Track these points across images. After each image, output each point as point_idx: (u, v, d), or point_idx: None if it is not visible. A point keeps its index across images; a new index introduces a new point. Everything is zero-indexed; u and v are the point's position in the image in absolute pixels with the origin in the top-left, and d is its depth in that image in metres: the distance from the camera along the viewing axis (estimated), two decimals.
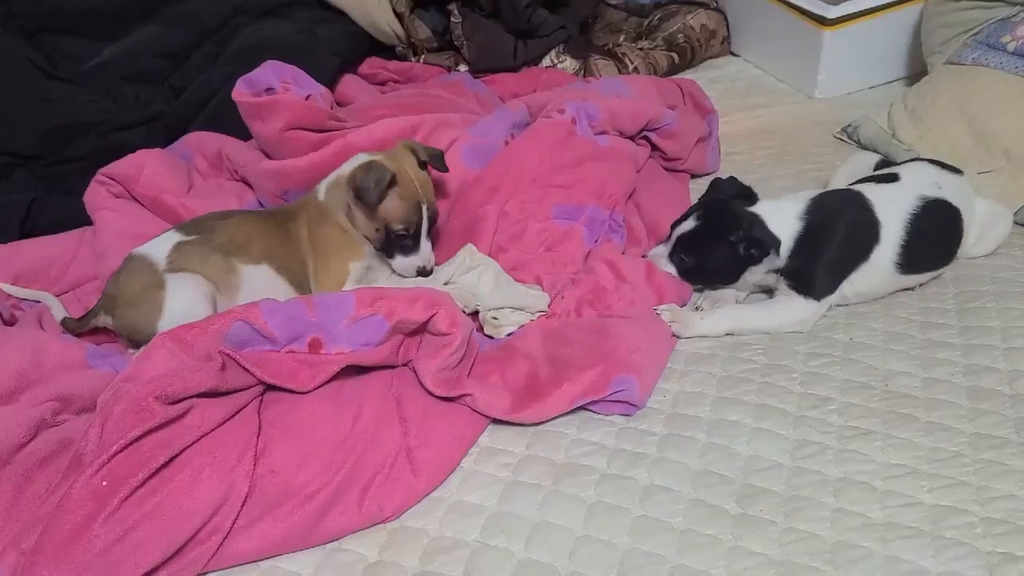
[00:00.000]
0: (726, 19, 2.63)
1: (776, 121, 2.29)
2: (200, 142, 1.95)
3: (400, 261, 1.52)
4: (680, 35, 2.54)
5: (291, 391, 1.29)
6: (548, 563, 1.10)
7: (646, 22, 2.64)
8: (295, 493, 1.16)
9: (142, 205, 1.76)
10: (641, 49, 2.50)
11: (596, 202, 1.69)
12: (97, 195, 1.75)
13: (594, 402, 1.33)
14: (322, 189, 1.56)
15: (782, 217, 1.47)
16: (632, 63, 2.44)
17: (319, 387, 1.30)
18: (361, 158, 1.54)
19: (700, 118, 2.07)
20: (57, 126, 2.00)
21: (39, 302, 1.60)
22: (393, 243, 1.50)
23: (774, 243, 1.43)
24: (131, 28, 2.32)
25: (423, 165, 1.55)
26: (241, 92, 1.73)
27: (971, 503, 1.14)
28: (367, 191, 1.43)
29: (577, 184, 1.71)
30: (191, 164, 1.90)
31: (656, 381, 1.38)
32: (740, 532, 1.12)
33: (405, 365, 1.37)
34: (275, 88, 1.74)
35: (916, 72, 2.32)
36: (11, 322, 1.55)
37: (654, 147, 1.95)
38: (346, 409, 1.27)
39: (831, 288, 1.48)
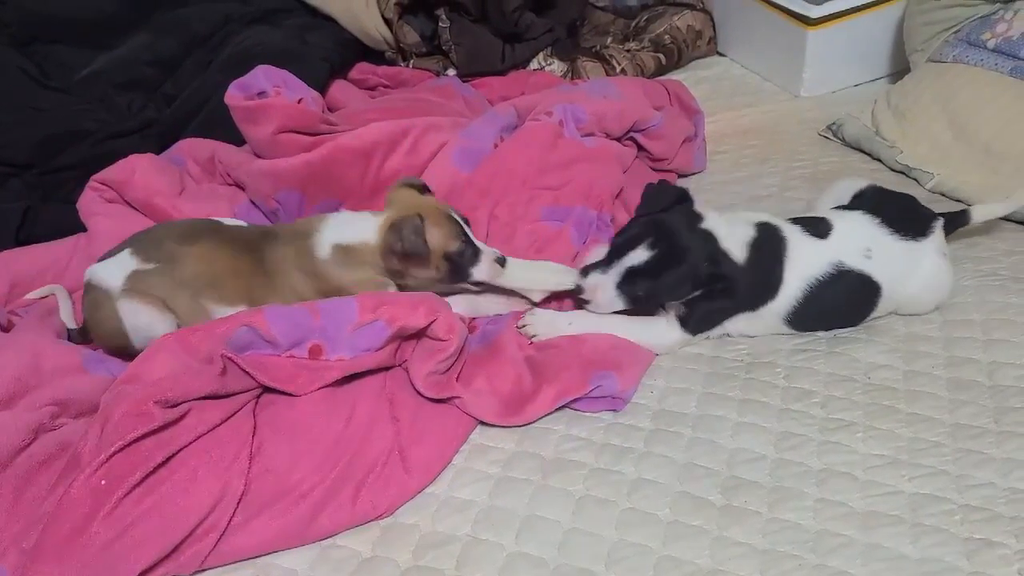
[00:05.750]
0: (712, 20, 2.66)
1: (762, 120, 2.31)
2: (192, 148, 1.96)
3: (479, 269, 1.43)
4: (667, 36, 2.56)
5: (288, 394, 1.31)
6: (537, 556, 1.13)
7: (633, 24, 2.66)
8: (290, 491, 1.18)
9: (136, 210, 1.78)
10: (628, 51, 2.52)
11: (584, 203, 1.71)
12: (91, 201, 1.77)
13: (578, 400, 1.35)
14: (324, 249, 1.43)
15: (734, 239, 1.39)
16: (619, 65, 2.46)
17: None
18: (366, 220, 1.44)
19: (686, 119, 2.08)
20: (50, 135, 2.01)
21: (49, 296, 1.63)
22: (462, 263, 1.43)
23: (736, 274, 1.35)
24: (123, 37, 2.33)
25: (423, 191, 1.51)
26: (233, 96, 1.75)
27: (950, 491, 1.16)
28: (414, 246, 1.36)
29: (565, 186, 1.73)
30: (184, 170, 1.92)
31: (640, 376, 1.40)
32: (725, 523, 1.15)
33: (399, 366, 1.39)
34: (267, 92, 1.76)
35: (900, 70, 2.35)
36: (7, 328, 1.56)
37: (640, 148, 1.97)
38: (340, 409, 1.30)
39: (710, 327, 1.45)
